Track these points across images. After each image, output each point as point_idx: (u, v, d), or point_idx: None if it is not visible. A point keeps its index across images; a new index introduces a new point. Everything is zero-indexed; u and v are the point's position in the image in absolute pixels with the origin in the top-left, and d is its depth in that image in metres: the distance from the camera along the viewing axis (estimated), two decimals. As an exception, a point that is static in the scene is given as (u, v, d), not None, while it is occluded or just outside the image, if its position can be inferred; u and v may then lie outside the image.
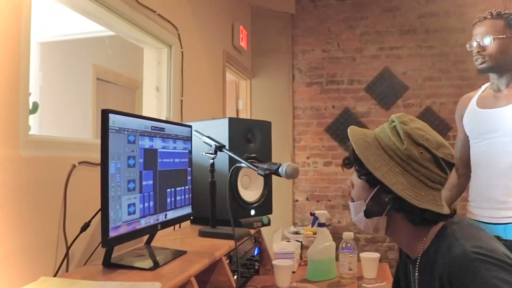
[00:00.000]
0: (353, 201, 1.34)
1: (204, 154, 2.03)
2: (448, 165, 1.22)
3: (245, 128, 2.26)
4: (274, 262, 2.13)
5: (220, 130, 2.17)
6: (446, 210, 1.23)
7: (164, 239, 2.02)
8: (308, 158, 4.98)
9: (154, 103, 3.02)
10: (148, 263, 1.52)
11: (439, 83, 4.79)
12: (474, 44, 2.08)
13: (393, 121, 1.26)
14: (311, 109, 5.01)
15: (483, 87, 2.24)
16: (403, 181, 1.18)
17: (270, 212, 2.38)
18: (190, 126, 1.98)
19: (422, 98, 4.81)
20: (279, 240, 2.88)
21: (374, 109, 4.89)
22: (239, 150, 2.15)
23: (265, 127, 2.40)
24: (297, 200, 4.98)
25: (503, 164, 1.98)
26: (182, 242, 1.98)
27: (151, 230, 1.65)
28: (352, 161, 1.32)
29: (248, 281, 2.15)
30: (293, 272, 2.34)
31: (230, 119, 2.18)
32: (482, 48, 2.04)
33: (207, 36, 3.58)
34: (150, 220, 1.62)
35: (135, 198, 1.51)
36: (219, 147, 2.02)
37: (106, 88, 4.66)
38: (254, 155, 2.25)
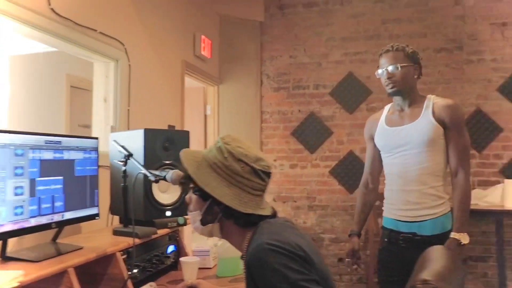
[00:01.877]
0: (189, 211, 1.55)
1: (115, 162, 2.26)
2: (266, 174, 1.44)
3: (163, 138, 2.46)
4: (181, 258, 2.34)
5: (137, 140, 2.38)
6: (267, 212, 1.47)
7: (78, 236, 2.25)
8: (275, 160, 5.17)
9: (102, 113, 3.25)
10: (36, 256, 1.74)
11: (401, 87, 4.92)
12: (381, 72, 2.45)
13: (218, 142, 1.47)
14: (278, 114, 5.20)
15: (386, 108, 2.62)
16: (229, 193, 1.41)
17: (186, 214, 2.57)
18: (96, 138, 2.20)
19: (385, 102, 4.87)
20: (205, 238, 3.07)
21: (338, 113, 5.05)
22: (156, 158, 2.37)
23: (183, 136, 2.60)
24: (265, 201, 5.17)
25: (414, 172, 2.32)
26: (90, 239, 2.20)
27: (43, 228, 1.88)
28: (187, 180, 1.53)
29: (162, 275, 2.37)
30: (210, 268, 2.55)
31: (146, 130, 2.39)
32: (391, 75, 2.39)
33: (162, 48, 3.80)
34: (42, 220, 1.84)
35: (23, 201, 1.74)
36: (128, 156, 2.24)
37: (82, 96, 4.91)
38: (170, 162, 2.45)
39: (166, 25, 3.90)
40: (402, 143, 2.36)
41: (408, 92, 2.39)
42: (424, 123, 2.31)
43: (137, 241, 2.15)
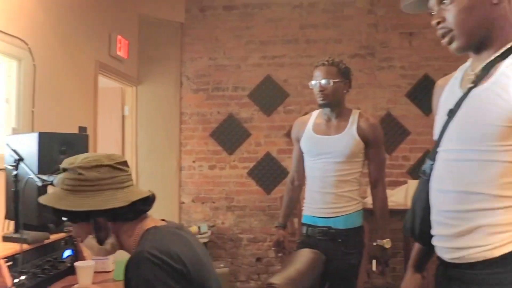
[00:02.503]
0: (82, 241, 1.54)
1: (7, 166, 2.20)
2: (123, 164, 1.48)
3: (60, 141, 2.42)
4: (76, 263, 2.31)
5: (31, 144, 2.33)
6: (146, 193, 1.51)
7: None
8: (194, 162, 5.19)
9: (3, 114, 3.14)
10: None
11: (317, 91, 5.08)
12: (314, 83, 2.61)
13: (64, 168, 1.47)
14: (197, 115, 5.22)
15: (314, 114, 2.78)
16: (103, 199, 1.42)
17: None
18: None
19: (302, 104, 5.09)
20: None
21: (256, 115, 5.14)
22: (52, 162, 2.32)
23: (82, 140, 2.57)
24: (183, 202, 5.18)
25: (333, 178, 2.59)
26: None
27: None
28: (63, 217, 1.51)
29: (57, 281, 2.33)
30: (109, 271, 2.54)
31: (40, 134, 2.34)
32: (323, 88, 2.57)
33: (74, 47, 3.72)
34: None
35: None
36: (19, 160, 2.19)
37: None
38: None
39: (79, 25, 3.82)
40: (325, 152, 2.60)
41: (336, 105, 2.62)
42: (348, 137, 2.57)
43: (26, 247, 2.11)
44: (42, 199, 1.50)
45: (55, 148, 2.38)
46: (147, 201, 1.51)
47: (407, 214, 1.51)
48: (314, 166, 2.66)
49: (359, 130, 2.58)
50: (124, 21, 4.73)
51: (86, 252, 2.61)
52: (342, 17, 5.12)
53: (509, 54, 1.24)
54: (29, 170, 2.12)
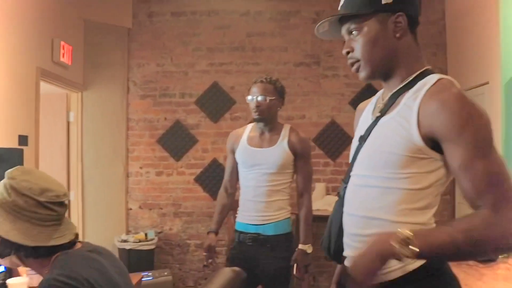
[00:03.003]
0: None
1: None
2: (55, 204, 1.47)
3: (-9, 156, 2.40)
4: (8, 280, 2.30)
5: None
6: (64, 240, 1.50)
7: None
8: (141, 168, 5.18)
9: None
10: None
11: (264, 98, 5.17)
12: (251, 99, 2.81)
13: (4, 178, 1.49)
14: (144, 121, 5.21)
15: (249, 127, 3.00)
16: (16, 228, 1.43)
17: None
18: None
19: (248, 112, 5.09)
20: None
21: (203, 122, 5.18)
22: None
23: (15, 154, 2.55)
24: (130, 209, 5.17)
25: (264, 187, 2.77)
26: None
27: None
28: None
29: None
30: None
31: (-30, 148, 2.32)
32: (259, 104, 2.76)
33: (13, 54, 3.65)
34: None
35: None
36: None
37: None
38: (-2, 181, 2.39)
39: (19, 30, 3.75)
40: (259, 163, 2.77)
41: (270, 120, 2.81)
42: (279, 150, 2.76)
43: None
44: None
45: (-14, 163, 2.36)
46: (59, 247, 1.50)
47: (325, 233, 1.56)
48: (248, 177, 2.82)
49: (290, 144, 2.77)
50: (69, 26, 4.67)
51: (21, 268, 2.59)
52: (288, 26, 5.22)
53: (413, 85, 1.32)
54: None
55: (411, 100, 1.28)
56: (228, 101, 5.18)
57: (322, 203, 4.53)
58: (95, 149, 4.99)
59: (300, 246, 2.78)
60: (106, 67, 5.10)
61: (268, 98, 2.76)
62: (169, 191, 5.16)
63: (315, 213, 4.36)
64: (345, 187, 1.45)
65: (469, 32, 4.65)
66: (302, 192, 2.86)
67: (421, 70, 1.35)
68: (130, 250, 4.72)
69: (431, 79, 1.29)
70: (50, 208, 1.47)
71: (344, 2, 1.40)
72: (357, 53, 1.36)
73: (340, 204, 1.48)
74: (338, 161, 5.13)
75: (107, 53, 5.12)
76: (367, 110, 1.50)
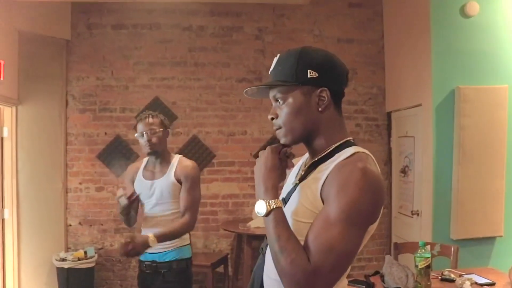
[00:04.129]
0: None
1: None
2: None
3: None
4: None
5: None
6: None
7: None
8: (80, 183, 5.09)
9: None
10: None
11: (206, 113, 5.19)
12: (140, 135, 2.96)
13: None
14: (83, 136, 5.11)
15: (145, 160, 3.13)
16: None
17: None
18: None
19: (190, 127, 5.16)
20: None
21: (145, 137, 5.12)
22: None
23: None
24: (70, 225, 5.07)
25: (160, 217, 2.93)
26: None
27: None
28: None
29: None
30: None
31: None
32: (149, 138, 2.90)
33: None
34: None
35: None
36: None
37: None
38: None
39: None
40: (151, 194, 2.92)
41: (161, 152, 2.95)
42: (168, 180, 2.90)
43: None
44: None
45: None
46: None
47: (248, 285, 1.62)
48: (146, 207, 2.96)
49: (176, 173, 2.91)
50: (1, 40, 4.50)
51: None
52: (230, 41, 5.24)
53: (332, 155, 1.38)
54: None
55: (325, 169, 1.35)
56: (169, 117, 5.14)
57: (262, 220, 4.58)
58: (31, 165, 4.85)
59: (150, 235, 2.72)
60: (43, 80, 4.95)
61: (157, 130, 2.91)
62: (110, 207, 5.09)
63: (255, 231, 4.48)
64: (267, 245, 1.47)
65: (405, 54, 4.82)
66: (184, 211, 2.89)
67: (342, 142, 1.41)
68: (68, 269, 4.63)
69: (348, 151, 1.36)
70: None
71: (273, 69, 1.45)
72: (280, 120, 1.41)
73: (262, 259, 1.53)
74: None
75: (44, 66, 4.98)
76: (293, 172, 1.56)
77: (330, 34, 5.32)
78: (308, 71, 1.37)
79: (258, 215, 1.36)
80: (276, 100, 1.42)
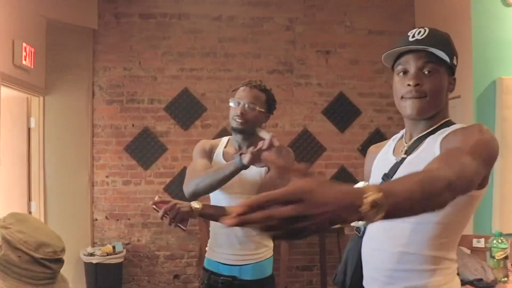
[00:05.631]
0: None
1: None
2: (52, 261, 1.31)
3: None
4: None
5: None
6: None
7: None
8: (107, 177, 4.95)
9: None
10: None
11: (236, 105, 5.05)
12: (236, 103, 2.22)
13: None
14: (111, 128, 4.97)
15: (224, 141, 2.37)
16: (2, 286, 1.25)
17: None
18: None
19: (219, 119, 5.03)
20: None
21: (173, 129, 5.00)
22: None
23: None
24: (96, 219, 4.92)
25: None
26: None
27: None
28: None
29: None
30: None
31: None
32: (244, 111, 2.18)
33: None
34: None
35: None
36: None
37: None
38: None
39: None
40: (233, 185, 2.19)
41: (251, 134, 2.24)
42: (257, 171, 2.19)
43: None
44: None
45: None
46: None
47: (339, 267, 1.64)
48: (220, 201, 2.27)
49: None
50: (30, 27, 4.36)
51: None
52: (261, 32, 5.12)
53: (437, 131, 1.43)
54: None
55: (434, 140, 1.40)
56: (199, 108, 5.02)
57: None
58: (58, 157, 4.71)
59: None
60: (69, 70, 4.82)
61: (257, 108, 2.22)
62: (137, 201, 4.95)
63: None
64: (367, 224, 1.48)
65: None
66: None
67: (446, 120, 1.48)
68: (97, 264, 4.49)
69: (455, 126, 1.44)
70: (45, 266, 1.31)
71: (427, 38, 1.42)
72: (428, 88, 1.41)
73: (357, 240, 1.55)
74: (310, 171, 5.08)
75: (70, 56, 4.84)
76: (385, 151, 1.58)
77: (361, 25, 5.21)
78: (454, 57, 1.45)
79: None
80: (422, 69, 1.42)
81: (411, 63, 1.43)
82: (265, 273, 2.29)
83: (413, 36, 1.43)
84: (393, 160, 1.49)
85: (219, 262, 2.27)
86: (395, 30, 5.15)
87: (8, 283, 1.25)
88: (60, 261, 1.35)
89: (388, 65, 1.53)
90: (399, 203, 0.92)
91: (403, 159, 1.45)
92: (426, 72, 1.41)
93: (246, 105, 2.20)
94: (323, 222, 0.78)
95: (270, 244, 2.32)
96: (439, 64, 1.41)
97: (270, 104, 2.31)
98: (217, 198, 2.31)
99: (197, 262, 4.86)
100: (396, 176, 1.43)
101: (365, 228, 1.51)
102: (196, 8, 5.06)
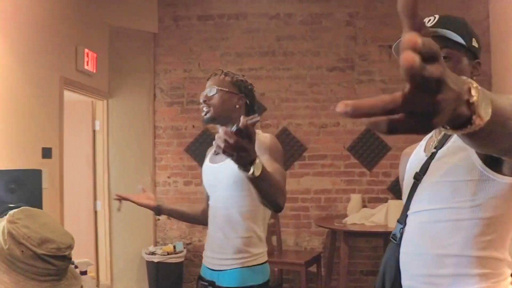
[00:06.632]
0: None
1: None
2: (55, 258, 1.28)
3: (7, 179, 2.25)
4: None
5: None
6: None
7: None
8: (169, 177, 5.02)
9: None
10: None
11: (296, 105, 4.95)
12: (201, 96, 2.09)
13: (5, 220, 1.31)
14: (171, 129, 5.04)
15: None
16: (6, 280, 1.25)
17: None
18: None
19: (279, 119, 4.95)
20: None
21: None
22: (0, 203, 2.16)
23: (33, 174, 2.40)
24: (158, 219, 5.01)
25: (222, 216, 1.98)
26: None
27: None
28: None
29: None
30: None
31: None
32: (208, 98, 2.04)
33: (35, 65, 3.53)
34: None
35: None
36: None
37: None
38: (15, 204, 2.24)
39: (42, 41, 3.63)
40: (214, 183, 2.04)
41: (225, 122, 2.01)
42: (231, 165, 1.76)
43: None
44: None
45: (2, 186, 2.22)
46: None
47: (378, 278, 1.49)
48: (210, 202, 2.10)
49: None
50: (93, 33, 4.53)
51: None
52: (320, 29, 4.98)
53: None
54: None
55: None
56: (258, 108, 4.93)
57: (358, 216, 4.26)
58: (121, 158, 4.85)
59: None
60: (131, 73, 4.96)
61: (219, 89, 2.02)
62: (198, 201, 4.96)
63: (350, 227, 4.18)
64: (402, 228, 1.38)
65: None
66: None
67: None
68: (158, 263, 4.56)
69: None
70: (49, 262, 1.28)
71: (437, 24, 1.33)
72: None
73: (394, 247, 1.40)
74: (375, 171, 4.87)
75: (132, 59, 4.98)
76: (416, 152, 1.48)
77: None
78: (473, 38, 1.34)
79: None
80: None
81: None
82: (247, 281, 1.96)
83: None
84: (424, 157, 1.39)
85: (205, 265, 2.10)
86: (468, 18, 4.80)
87: (13, 277, 1.25)
88: (65, 258, 1.33)
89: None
90: (497, 109, 0.68)
91: (433, 154, 1.35)
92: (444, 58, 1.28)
93: (206, 92, 2.05)
94: (452, 102, 0.58)
95: (256, 250, 1.99)
96: (456, 48, 1.31)
97: (239, 85, 2.09)
98: (209, 203, 2.13)
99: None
100: (428, 173, 1.33)
101: (401, 235, 1.38)
102: (254, 7, 5.02)
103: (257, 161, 1.45)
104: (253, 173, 1.43)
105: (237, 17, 5.04)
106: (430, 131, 0.58)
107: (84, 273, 2.35)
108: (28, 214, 1.34)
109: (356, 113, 0.55)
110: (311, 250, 4.86)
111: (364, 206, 4.70)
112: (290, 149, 4.90)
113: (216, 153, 1.99)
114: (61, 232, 1.36)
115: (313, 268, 4.59)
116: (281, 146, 2.01)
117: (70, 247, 1.36)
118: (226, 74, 2.13)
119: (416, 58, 0.52)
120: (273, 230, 4.65)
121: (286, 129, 4.95)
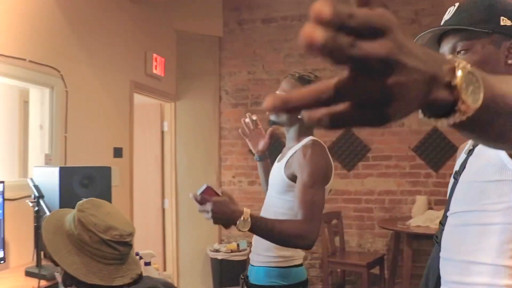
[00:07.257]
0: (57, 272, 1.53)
1: (28, 202, 2.23)
2: (119, 244, 1.42)
3: (81, 175, 2.43)
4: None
5: (53, 179, 2.35)
6: (124, 280, 1.47)
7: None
8: (233, 177, 5.15)
9: (38, 140, 3.21)
10: None
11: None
12: None
13: (75, 209, 1.45)
14: (236, 130, 5.14)
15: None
16: (78, 261, 1.40)
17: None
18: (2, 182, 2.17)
19: (342, 119, 4.93)
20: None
21: (295, 130, 5.03)
22: (74, 197, 2.33)
23: (104, 172, 2.56)
24: (223, 218, 5.14)
25: (264, 212, 2.08)
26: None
27: None
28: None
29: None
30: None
31: (61, 169, 2.36)
32: None
33: (108, 69, 3.76)
34: None
35: None
36: (38, 197, 2.21)
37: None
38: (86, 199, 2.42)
39: (113, 47, 3.86)
40: (270, 181, 2.13)
41: (288, 124, 2.06)
42: (281, 165, 2.01)
43: (44, 283, 2.12)
44: (48, 217, 1.55)
45: (76, 182, 2.39)
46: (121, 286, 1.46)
47: (422, 280, 1.40)
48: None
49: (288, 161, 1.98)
50: (161, 39, 4.75)
51: None
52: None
53: None
54: (46, 208, 2.13)
55: None
56: (321, 109, 4.98)
57: (423, 218, 4.17)
58: (188, 158, 5.04)
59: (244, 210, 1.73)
60: (198, 76, 5.13)
61: None
62: (262, 201, 5.02)
63: (414, 230, 4.09)
64: (443, 230, 1.29)
65: None
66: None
67: None
68: (222, 260, 4.69)
69: None
70: (113, 247, 1.43)
71: (452, 17, 1.26)
72: None
73: (437, 249, 1.31)
74: (441, 172, 4.74)
75: (199, 63, 5.15)
76: (463, 148, 1.39)
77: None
78: (501, 18, 1.17)
79: None
80: (454, 51, 1.20)
81: (444, 49, 1.25)
82: (269, 281, 1.95)
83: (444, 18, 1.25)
84: (464, 156, 1.32)
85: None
86: None
87: (83, 259, 1.40)
88: (127, 244, 1.46)
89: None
90: (498, 96, 0.57)
91: (470, 151, 1.27)
92: (461, 53, 1.19)
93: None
94: (414, 86, 0.47)
95: (285, 253, 1.95)
96: (475, 37, 1.18)
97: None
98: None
99: (320, 264, 4.81)
100: (465, 171, 1.24)
101: (441, 236, 1.30)
102: (317, 8, 5.03)
103: (243, 218, 1.60)
104: (239, 230, 1.61)
105: (300, 18, 5.08)
106: (388, 123, 0.48)
107: (148, 263, 2.48)
108: (94, 204, 1.49)
109: (286, 107, 0.46)
110: (374, 252, 4.81)
111: (430, 208, 4.59)
112: (353, 149, 4.88)
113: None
114: (123, 221, 1.49)
115: (375, 270, 4.55)
116: (325, 154, 1.95)
117: (131, 234, 1.49)
118: (297, 77, 2.04)
119: (317, 33, 0.42)
120: (336, 230, 4.66)
121: (350, 129, 4.92)
